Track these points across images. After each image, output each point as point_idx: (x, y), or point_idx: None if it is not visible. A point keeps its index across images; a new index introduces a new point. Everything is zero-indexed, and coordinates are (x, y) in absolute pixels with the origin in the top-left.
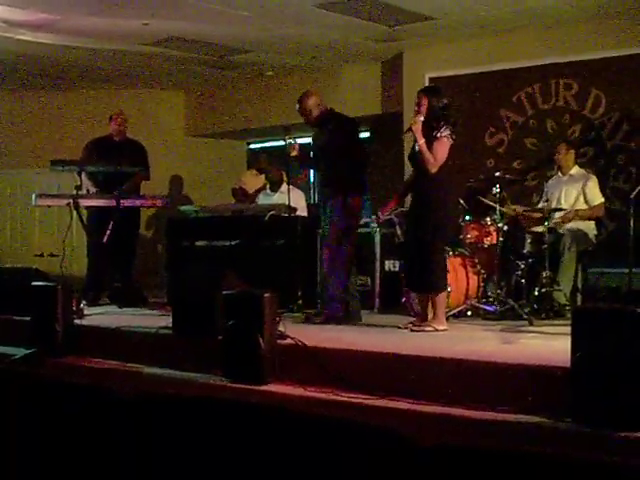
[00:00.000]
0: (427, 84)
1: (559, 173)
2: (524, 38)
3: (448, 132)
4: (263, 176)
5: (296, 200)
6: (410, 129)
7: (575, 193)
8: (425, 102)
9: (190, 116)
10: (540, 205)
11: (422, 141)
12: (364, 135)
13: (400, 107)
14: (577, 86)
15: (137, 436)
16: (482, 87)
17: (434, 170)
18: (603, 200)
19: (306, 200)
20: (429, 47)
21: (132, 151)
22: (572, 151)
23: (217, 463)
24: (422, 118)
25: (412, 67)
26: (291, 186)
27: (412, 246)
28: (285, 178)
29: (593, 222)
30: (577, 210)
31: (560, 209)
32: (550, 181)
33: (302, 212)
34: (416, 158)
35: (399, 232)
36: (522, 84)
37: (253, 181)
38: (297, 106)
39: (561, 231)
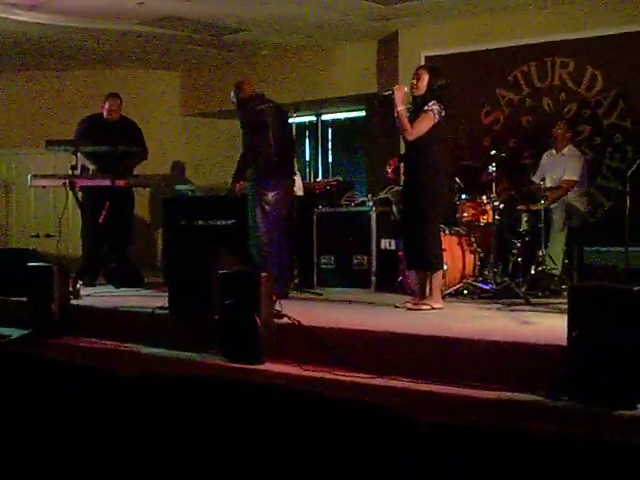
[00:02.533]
0: (423, 62)
1: (553, 150)
2: (520, 16)
3: (436, 108)
4: None
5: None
6: (392, 91)
7: (561, 172)
8: (426, 78)
9: (186, 96)
10: (535, 180)
11: (401, 108)
12: (360, 114)
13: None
14: (573, 64)
15: (138, 417)
16: (478, 65)
17: (410, 138)
18: (574, 179)
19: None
20: (425, 25)
21: (127, 130)
22: (570, 129)
23: (216, 442)
24: (407, 90)
25: (408, 46)
26: None
27: (405, 224)
28: None
29: (585, 199)
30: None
31: (552, 188)
32: (544, 157)
33: (298, 192)
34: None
35: (395, 210)
36: (518, 63)
37: None
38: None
39: (552, 207)
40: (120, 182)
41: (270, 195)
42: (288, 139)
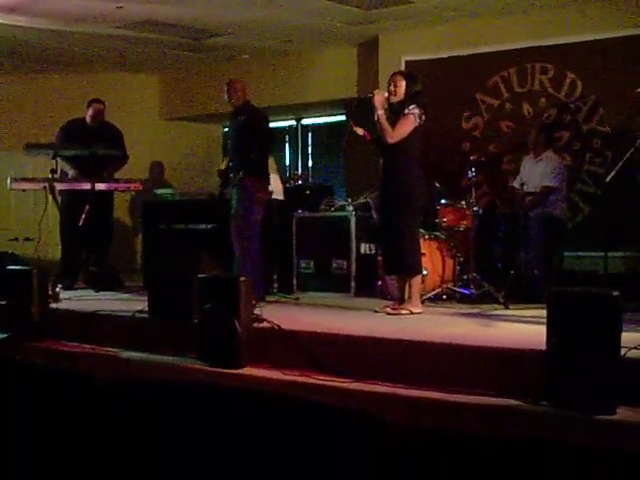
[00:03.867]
0: (403, 67)
1: (532, 155)
2: (500, 22)
3: (417, 111)
4: None
5: (273, 184)
6: (372, 95)
7: (540, 177)
8: (402, 84)
9: (165, 99)
10: (515, 186)
11: (381, 112)
12: (340, 118)
13: None
14: (553, 70)
15: (115, 420)
16: (458, 71)
17: (391, 141)
18: (553, 184)
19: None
20: (405, 30)
21: (108, 135)
22: (543, 134)
23: (194, 446)
24: (386, 95)
25: (388, 50)
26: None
27: (384, 229)
28: None
29: (564, 205)
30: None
31: (533, 193)
32: (523, 162)
33: (278, 195)
34: (377, 132)
35: (374, 215)
36: (498, 68)
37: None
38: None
39: (531, 214)
40: (100, 186)
41: (261, 198)
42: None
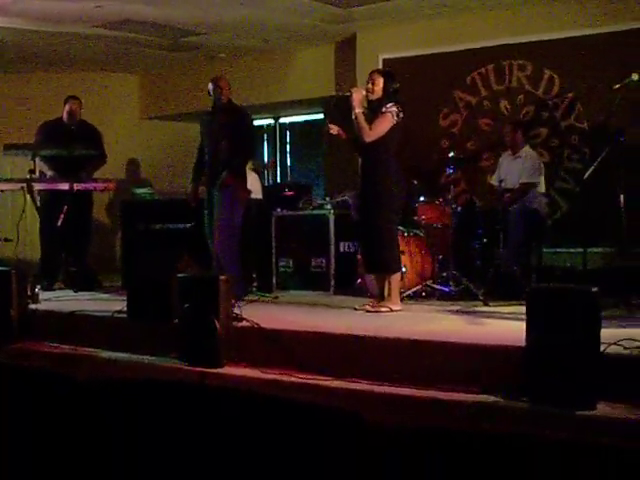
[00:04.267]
0: (381, 65)
1: (509, 152)
2: (477, 19)
3: (395, 109)
4: None
5: (252, 183)
6: (350, 94)
7: (518, 174)
8: (380, 82)
9: (144, 99)
10: (494, 183)
11: (358, 110)
12: (318, 117)
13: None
14: (531, 67)
15: (96, 422)
16: (436, 68)
17: (368, 139)
18: (531, 181)
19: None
20: (383, 28)
21: (87, 135)
22: (519, 131)
23: (173, 447)
24: (364, 93)
25: (366, 48)
26: (247, 169)
27: (362, 227)
28: None
29: (544, 200)
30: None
31: (512, 189)
32: (501, 159)
33: (257, 195)
34: (355, 131)
35: (353, 213)
36: (475, 65)
37: None
38: (211, 86)
39: (510, 209)
40: (79, 186)
41: (243, 197)
42: None
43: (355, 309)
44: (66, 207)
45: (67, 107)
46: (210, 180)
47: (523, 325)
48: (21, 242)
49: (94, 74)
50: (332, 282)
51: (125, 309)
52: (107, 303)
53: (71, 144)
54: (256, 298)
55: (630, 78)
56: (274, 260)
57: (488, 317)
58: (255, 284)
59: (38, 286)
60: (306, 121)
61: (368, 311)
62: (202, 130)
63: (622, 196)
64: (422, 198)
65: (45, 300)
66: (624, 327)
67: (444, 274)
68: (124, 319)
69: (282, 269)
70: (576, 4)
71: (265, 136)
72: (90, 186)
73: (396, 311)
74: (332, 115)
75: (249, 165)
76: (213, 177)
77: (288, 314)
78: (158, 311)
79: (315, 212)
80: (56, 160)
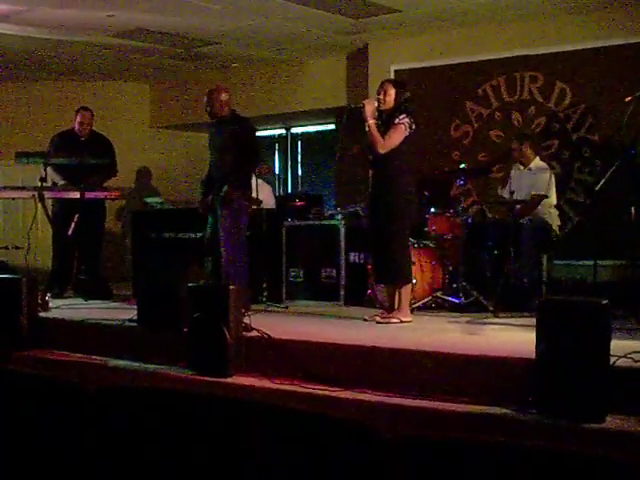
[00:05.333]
0: (392, 76)
1: (520, 166)
2: (489, 31)
3: (407, 120)
4: None
5: (263, 193)
6: (362, 105)
7: (529, 186)
8: (392, 92)
9: (155, 108)
10: (504, 195)
11: (371, 122)
12: (329, 127)
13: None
14: (542, 79)
15: (104, 430)
16: (447, 79)
17: (382, 151)
18: (542, 193)
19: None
20: (394, 39)
21: (98, 146)
22: (526, 145)
23: (181, 457)
24: (377, 104)
25: (377, 59)
26: (259, 180)
27: (374, 238)
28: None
29: (555, 212)
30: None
31: (523, 201)
32: (512, 171)
33: (269, 205)
34: (368, 142)
35: (364, 224)
36: (487, 77)
37: None
38: (206, 98)
39: (521, 221)
40: (90, 195)
41: (247, 207)
42: None
43: (365, 320)
44: (77, 215)
45: (78, 118)
46: (215, 192)
47: (533, 337)
48: (32, 250)
49: (106, 83)
50: (342, 293)
51: (135, 318)
52: (117, 312)
53: (82, 155)
54: (265, 308)
55: None
56: (284, 270)
57: (498, 329)
58: (265, 294)
59: (49, 294)
60: (318, 131)
61: (378, 322)
62: (209, 142)
63: (633, 209)
64: (433, 209)
65: (55, 308)
66: (634, 340)
67: (454, 285)
68: (134, 328)
69: (292, 279)
70: (587, 16)
71: (276, 146)
72: (101, 194)
73: (406, 322)
74: (345, 126)
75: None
76: (217, 189)
77: (298, 324)
78: (168, 320)
79: (326, 222)
80: (68, 169)
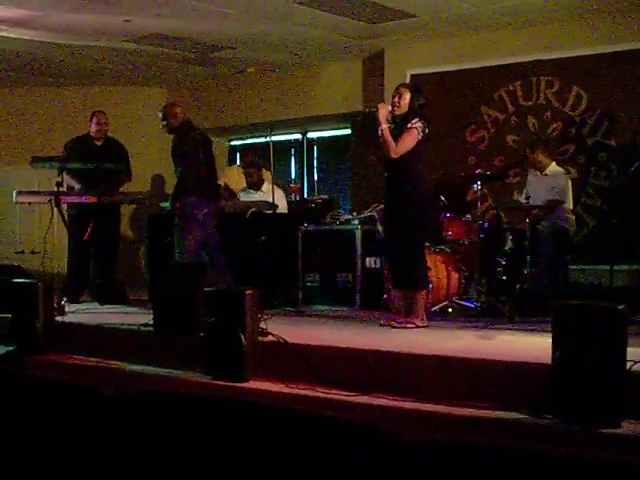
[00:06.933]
0: (408, 81)
1: (536, 171)
2: (505, 35)
3: (420, 125)
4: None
5: (278, 198)
6: (376, 109)
7: (546, 191)
8: (407, 97)
9: None
10: (521, 199)
11: (385, 126)
12: (345, 132)
13: None
14: (558, 83)
15: (121, 434)
16: (463, 84)
17: (394, 155)
18: (559, 198)
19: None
20: (410, 44)
21: (113, 152)
22: (538, 151)
23: (197, 460)
24: (390, 108)
25: (393, 64)
26: (275, 185)
27: (390, 243)
28: (267, 177)
29: (572, 217)
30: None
31: (539, 206)
32: (529, 176)
33: (283, 210)
34: (381, 147)
35: (380, 228)
36: (503, 81)
37: (238, 177)
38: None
39: (539, 227)
40: (106, 199)
41: (200, 215)
42: (212, 165)
43: (380, 325)
44: (93, 220)
45: (95, 120)
46: None
47: (549, 342)
48: (48, 254)
49: (122, 88)
50: (358, 297)
51: (151, 322)
52: (133, 316)
53: (98, 159)
54: (281, 312)
55: None
56: (300, 275)
57: (514, 334)
58: (280, 298)
59: (65, 298)
60: (333, 136)
61: (394, 327)
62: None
63: None
64: (449, 214)
65: (71, 312)
66: None
67: (470, 290)
68: (150, 332)
69: (308, 284)
70: (603, 20)
71: (292, 151)
72: (118, 198)
73: (422, 327)
74: (359, 129)
75: (268, 178)
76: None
77: (314, 329)
78: (184, 324)
79: (342, 227)
80: (84, 174)
